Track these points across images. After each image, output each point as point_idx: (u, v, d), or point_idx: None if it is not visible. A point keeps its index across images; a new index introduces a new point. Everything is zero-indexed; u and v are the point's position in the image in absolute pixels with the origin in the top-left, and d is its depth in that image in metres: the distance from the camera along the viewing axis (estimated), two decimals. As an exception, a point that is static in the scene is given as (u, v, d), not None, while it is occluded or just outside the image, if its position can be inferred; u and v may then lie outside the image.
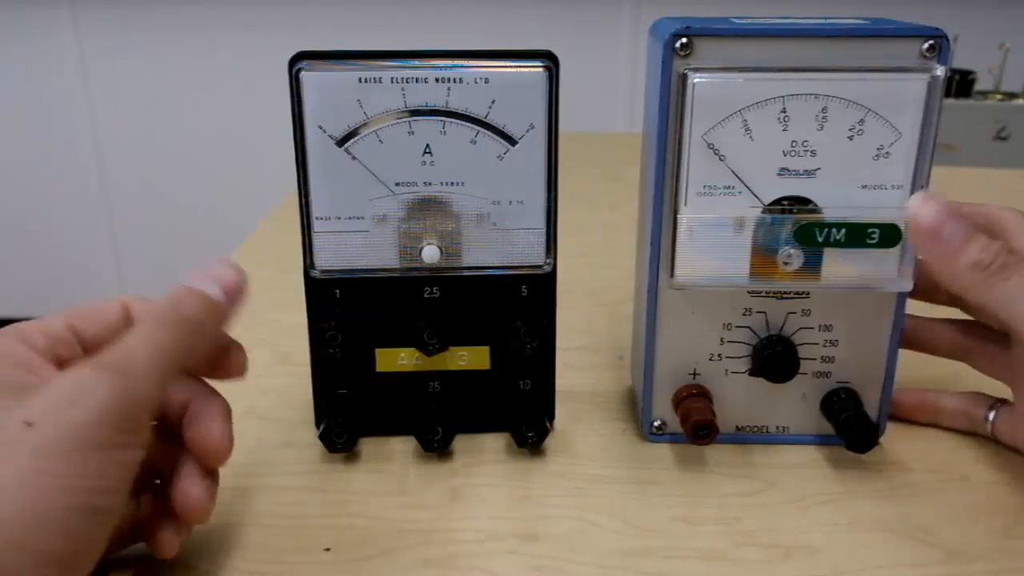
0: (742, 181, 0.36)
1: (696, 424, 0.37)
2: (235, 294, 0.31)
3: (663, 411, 0.40)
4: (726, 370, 0.39)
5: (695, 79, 0.34)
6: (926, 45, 0.35)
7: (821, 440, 0.40)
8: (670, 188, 0.36)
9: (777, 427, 0.40)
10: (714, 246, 0.36)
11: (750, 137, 0.35)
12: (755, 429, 0.40)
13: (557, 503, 0.37)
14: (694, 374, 0.40)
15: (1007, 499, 0.37)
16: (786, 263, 0.36)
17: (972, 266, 0.33)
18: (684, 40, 0.34)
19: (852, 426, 0.38)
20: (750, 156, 0.35)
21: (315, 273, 0.38)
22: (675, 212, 0.36)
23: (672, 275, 0.37)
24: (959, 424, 0.41)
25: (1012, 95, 1.00)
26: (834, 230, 0.36)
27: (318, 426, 0.40)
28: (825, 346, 0.39)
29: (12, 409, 0.26)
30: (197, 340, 0.30)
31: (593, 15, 1.88)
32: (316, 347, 0.39)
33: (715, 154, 0.35)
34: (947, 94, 0.98)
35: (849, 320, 0.38)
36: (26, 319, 0.31)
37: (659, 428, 0.40)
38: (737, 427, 0.40)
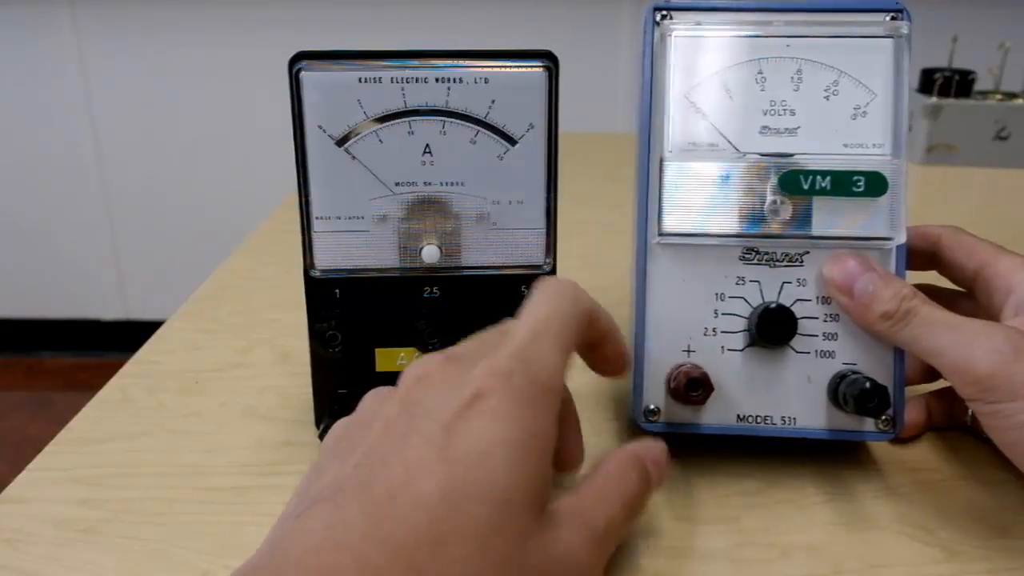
0: (725, 138, 0.37)
1: (689, 380, 0.36)
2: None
3: (656, 396, 0.38)
4: (722, 347, 0.38)
5: (675, 35, 0.38)
6: (888, 17, 0.37)
7: (832, 434, 0.38)
8: (656, 144, 0.37)
9: (783, 418, 0.38)
10: (700, 197, 0.37)
11: (730, 97, 0.37)
12: (759, 420, 0.38)
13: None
14: (688, 351, 0.38)
15: (1007, 499, 0.37)
16: (773, 211, 0.37)
17: (881, 318, 0.35)
18: (664, 12, 0.38)
19: (862, 387, 0.35)
20: (731, 115, 0.37)
21: (315, 273, 0.38)
22: (661, 165, 0.37)
23: (660, 228, 0.37)
24: (943, 423, 0.42)
25: (1012, 95, 0.99)
26: (819, 177, 0.36)
27: (318, 426, 0.40)
28: (826, 321, 0.37)
29: (538, 545, 0.26)
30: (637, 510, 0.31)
31: (593, 15, 1.88)
32: (316, 347, 0.39)
33: (697, 112, 0.37)
34: (947, 94, 0.98)
35: None
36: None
37: (653, 413, 0.38)
38: (739, 417, 0.38)
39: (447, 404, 0.27)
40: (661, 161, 0.37)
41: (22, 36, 1.91)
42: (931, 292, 0.39)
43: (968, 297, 0.40)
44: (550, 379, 0.29)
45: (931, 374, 0.41)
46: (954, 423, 0.42)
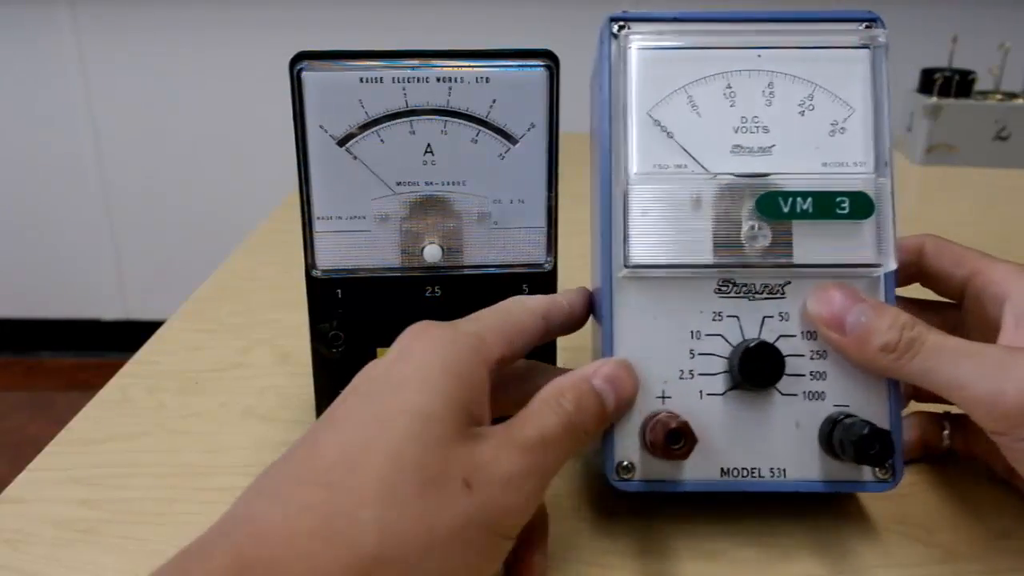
0: (694, 158, 0.34)
1: (669, 432, 0.32)
2: (624, 407, 0.32)
3: (630, 449, 0.34)
4: (700, 391, 0.34)
5: (634, 47, 0.35)
6: (863, 25, 0.35)
7: (827, 486, 0.34)
8: (619, 168, 0.34)
9: (772, 470, 0.34)
10: (670, 224, 0.34)
11: (697, 114, 0.34)
12: (745, 473, 0.34)
13: (557, 503, 0.37)
14: (663, 397, 0.34)
15: (1007, 499, 0.37)
16: (752, 238, 0.34)
17: (881, 351, 0.32)
18: (622, 23, 0.35)
19: (860, 432, 0.32)
20: (700, 133, 0.34)
21: (316, 273, 0.38)
22: (625, 190, 0.34)
23: (627, 260, 0.33)
24: (915, 455, 0.39)
25: (1012, 95, 0.99)
26: (799, 199, 0.33)
27: (319, 426, 0.40)
28: (813, 359, 0.34)
29: (459, 453, 0.27)
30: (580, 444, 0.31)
31: (593, 15, 1.88)
32: (318, 347, 0.39)
33: (663, 131, 0.34)
34: (947, 94, 0.98)
35: None
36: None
37: (627, 469, 0.34)
38: (723, 470, 0.34)
39: (380, 370, 0.30)
40: (626, 185, 0.34)
41: (22, 36, 1.91)
42: (906, 304, 0.37)
43: (954, 307, 0.38)
44: (475, 331, 0.30)
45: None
46: (929, 451, 0.39)
